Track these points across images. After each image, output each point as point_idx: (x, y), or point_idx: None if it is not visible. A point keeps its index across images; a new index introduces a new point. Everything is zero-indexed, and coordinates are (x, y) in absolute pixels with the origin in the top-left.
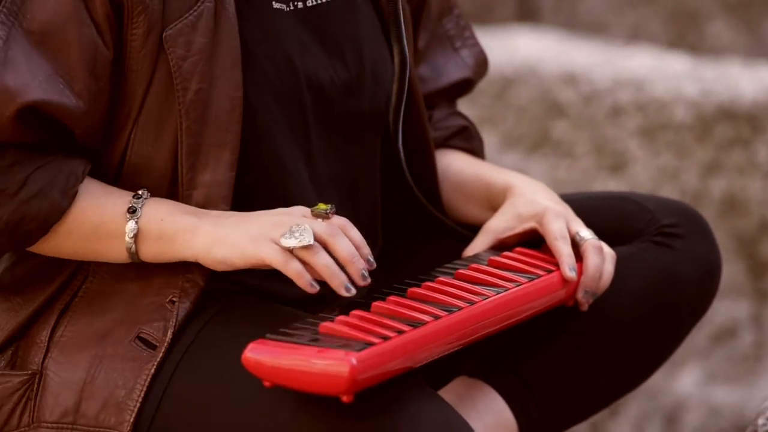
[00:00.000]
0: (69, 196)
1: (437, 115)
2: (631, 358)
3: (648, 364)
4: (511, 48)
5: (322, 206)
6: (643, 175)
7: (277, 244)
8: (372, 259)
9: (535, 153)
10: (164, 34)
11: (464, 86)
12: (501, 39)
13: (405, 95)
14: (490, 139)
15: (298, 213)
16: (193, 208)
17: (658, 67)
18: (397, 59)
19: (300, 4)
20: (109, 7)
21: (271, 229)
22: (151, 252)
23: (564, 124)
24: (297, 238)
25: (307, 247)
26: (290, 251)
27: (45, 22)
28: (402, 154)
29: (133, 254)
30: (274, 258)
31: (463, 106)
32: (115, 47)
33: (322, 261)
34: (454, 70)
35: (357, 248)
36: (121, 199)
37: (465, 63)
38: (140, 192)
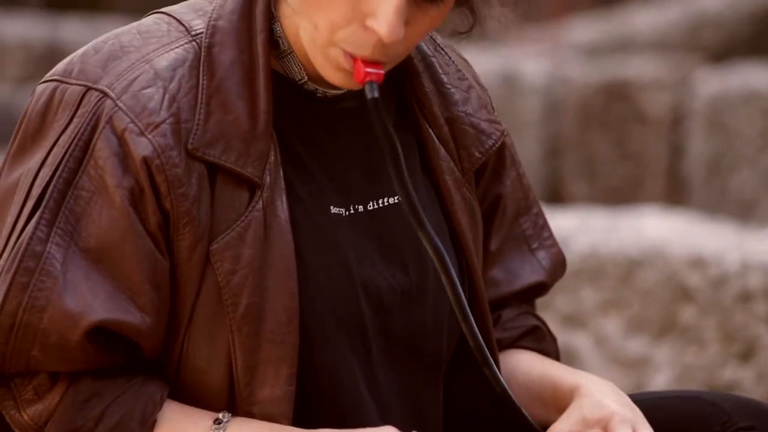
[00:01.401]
0: (148, 426)
1: (507, 315)
2: None
3: None
4: (638, 229)
5: None
6: None
7: None
8: None
9: (661, 339)
10: (211, 248)
11: (538, 290)
12: (629, 220)
13: (468, 303)
14: (614, 324)
15: None
16: (278, 426)
17: None
18: (431, 248)
19: (360, 208)
20: (159, 217)
21: None
22: None
23: (691, 309)
24: None
25: None
26: None
27: (101, 238)
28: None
29: None
30: None
31: (587, 289)
32: (169, 255)
33: None
34: (529, 273)
35: None
36: (203, 422)
37: (541, 266)
38: (221, 416)
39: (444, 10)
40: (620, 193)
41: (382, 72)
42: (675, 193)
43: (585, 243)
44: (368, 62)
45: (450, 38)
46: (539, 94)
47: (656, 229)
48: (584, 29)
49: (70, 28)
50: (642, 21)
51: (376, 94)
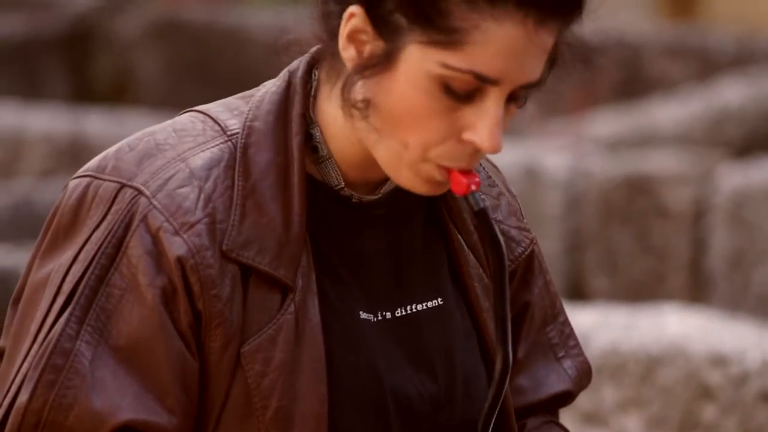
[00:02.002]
0: None
1: (532, 423)
2: None
3: None
4: (659, 326)
5: None
6: None
7: None
8: None
9: None
10: (242, 350)
11: (564, 399)
12: (649, 316)
13: (499, 405)
14: (634, 422)
15: None
16: None
17: None
18: (499, 365)
19: (388, 314)
20: (191, 317)
21: None
22: None
23: (712, 408)
24: None
25: None
26: None
27: (131, 337)
28: None
29: None
30: None
31: (607, 387)
32: (199, 356)
33: None
34: (555, 382)
35: None
36: None
37: (567, 374)
38: None
39: (522, 105)
40: (642, 288)
41: (480, 180)
42: (697, 288)
43: (605, 340)
44: (464, 172)
45: None
46: (561, 188)
47: (677, 327)
48: (606, 123)
49: (93, 121)
50: (664, 115)
51: (482, 204)
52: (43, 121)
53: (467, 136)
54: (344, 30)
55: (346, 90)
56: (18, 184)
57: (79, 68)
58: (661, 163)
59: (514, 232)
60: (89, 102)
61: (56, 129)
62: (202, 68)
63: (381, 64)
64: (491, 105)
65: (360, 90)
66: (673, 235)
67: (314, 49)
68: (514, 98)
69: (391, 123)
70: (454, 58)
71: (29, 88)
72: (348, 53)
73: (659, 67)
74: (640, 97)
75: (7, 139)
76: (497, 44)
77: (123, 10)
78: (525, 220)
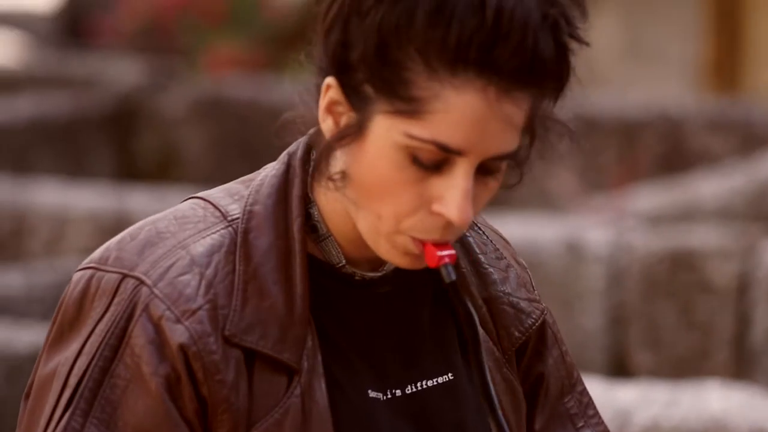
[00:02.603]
0: None
1: None
2: None
3: None
4: (700, 403)
5: None
6: None
7: None
8: None
9: None
10: None
11: None
12: (691, 393)
13: None
14: None
15: None
16: None
17: None
18: None
19: (398, 392)
20: (197, 404)
21: None
22: None
23: None
24: None
25: None
26: None
27: (137, 427)
28: None
29: None
30: None
31: None
32: None
33: None
34: None
35: None
36: None
37: None
38: None
39: (500, 179)
40: (686, 363)
41: (454, 253)
42: (741, 363)
43: (646, 417)
44: (438, 245)
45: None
46: (603, 263)
47: (718, 403)
48: (648, 197)
49: (136, 198)
50: (706, 189)
51: (454, 277)
52: (87, 198)
53: (436, 207)
54: (322, 102)
55: (322, 161)
56: (62, 263)
57: (124, 146)
58: (704, 237)
59: (524, 304)
60: (134, 179)
61: (100, 207)
62: (246, 144)
63: (353, 134)
64: (459, 176)
65: (337, 162)
66: (717, 310)
67: (313, 129)
68: (488, 171)
69: (365, 194)
70: (417, 128)
71: (74, 167)
72: (326, 125)
73: (701, 141)
74: (683, 171)
75: (51, 218)
76: (458, 114)
77: (167, 88)
78: (536, 292)
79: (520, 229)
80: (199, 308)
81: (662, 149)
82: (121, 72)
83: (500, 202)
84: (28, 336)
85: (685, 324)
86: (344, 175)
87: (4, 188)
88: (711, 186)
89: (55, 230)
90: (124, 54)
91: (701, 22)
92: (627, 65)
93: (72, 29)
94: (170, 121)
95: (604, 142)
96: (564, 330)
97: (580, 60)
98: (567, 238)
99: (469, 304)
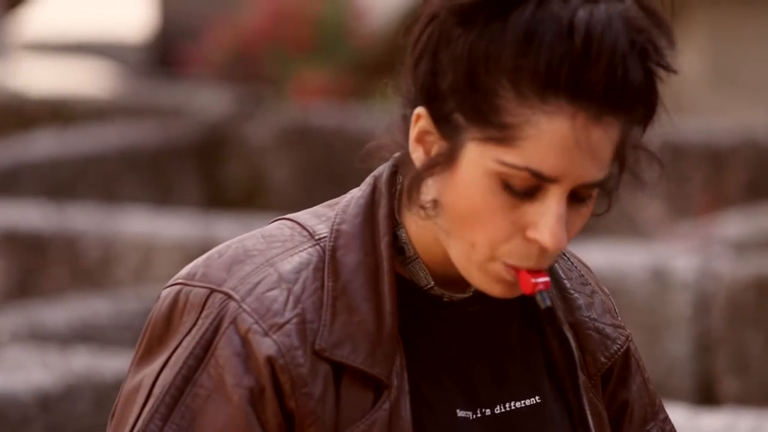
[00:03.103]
0: None
1: None
2: None
3: None
4: None
5: None
6: None
7: None
8: None
9: None
10: None
11: None
12: None
13: None
14: None
15: None
16: None
17: None
18: None
19: (488, 411)
20: (281, 418)
21: None
22: None
23: None
24: None
25: None
26: None
27: None
28: None
29: None
30: None
31: None
32: None
33: None
34: None
35: None
36: None
37: None
38: None
39: (592, 206)
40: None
41: (548, 280)
42: None
43: None
44: (532, 272)
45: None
46: (690, 290)
47: None
48: (735, 225)
49: (223, 226)
50: None
51: (549, 303)
52: (175, 227)
53: (531, 234)
54: (413, 132)
55: (413, 190)
56: (149, 290)
57: (211, 174)
58: None
59: (609, 330)
60: (221, 208)
61: (187, 235)
62: (332, 172)
63: (444, 163)
64: (552, 202)
65: (429, 190)
66: None
67: (398, 154)
68: (580, 198)
69: (458, 223)
70: (509, 155)
71: (162, 195)
72: (417, 154)
73: None
74: None
75: (139, 246)
76: (549, 140)
77: (254, 116)
78: (619, 318)
79: (607, 257)
80: (287, 322)
81: (749, 176)
82: (208, 101)
83: (587, 229)
84: (116, 363)
85: None
86: (436, 203)
87: (93, 217)
88: None
89: (142, 258)
90: (213, 83)
91: None
92: (714, 92)
93: (162, 59)
94: (257, 150)
95: (691, 169)
96: (650, 357)
97: (667, 87)
98: (653, 265)
99: (565, 330)
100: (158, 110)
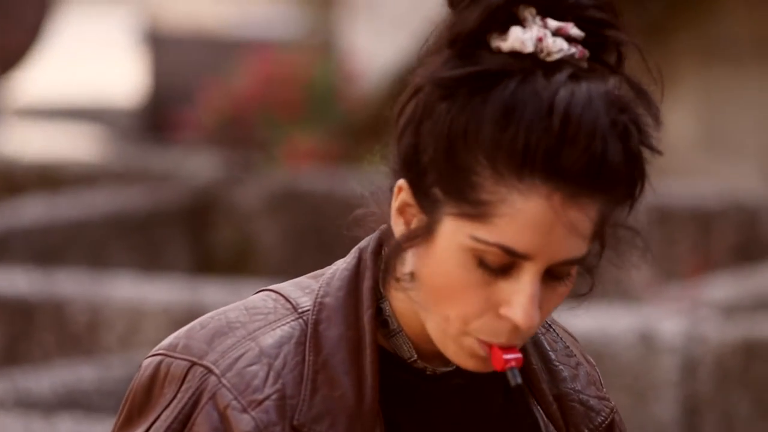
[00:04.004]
0: None
1: None
2: None
3: None
4: None
5: None
6: None
7: None
8: None
9: None
10: None
11: None
12: None
13: None
14: None
15: None
16: None
17: None
18: None
19: None
20: None
21: None
22: None
23: None
24: None
25: None
26: None
27: None
28: None
29: None
30: None
31: None
32: None
33: None
34: None
35: None
36: None
37: None
38: None
39: (570, 285)
40: None
41: (520, 356)
42: None
43: None
44: (505, 348)
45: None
46: (676, 354)
47: None
48: (722, 287)
49: (211, 291)
50: None
51: (519, 381)
52: (162, 292)
53: (503, 311)
54: (395, 204)
55: (392, 261)
56: (136, 356)
57: (200, 239)
58: None
59: (593, 402)
60: (210, 273)
61: (175, 300)
62: (321, 237)
63: (422, 236)
64: (526, 281)
65: (407, 263)
66: None
67: (384, 226)
68: (556, 276)
69: (432, 296)
70: (482, 231)
71: (151, 261)
72: (398, 227)
73: None
74: (758, 261)
75: (126, 312)
76: (523, 218)
77: (243, 181)
78: (604, 390)
79: (593, 320)
80: (266, 398)
81: (737, 239)
82: (198, 166)
83: (571, 292)
84: (100, 429)
85: (759, 415)
86: (413, 276)
87: (80, 282)
88: None
89: (130, 324)
90: (203, 148)
91: None
92: (704, 155)
93: (154, 123)
94: (246, 215)
95: (678, 231)
96: (637, 421)
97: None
98: (640, 328)
99: (535, 410)
100: (148, 175)
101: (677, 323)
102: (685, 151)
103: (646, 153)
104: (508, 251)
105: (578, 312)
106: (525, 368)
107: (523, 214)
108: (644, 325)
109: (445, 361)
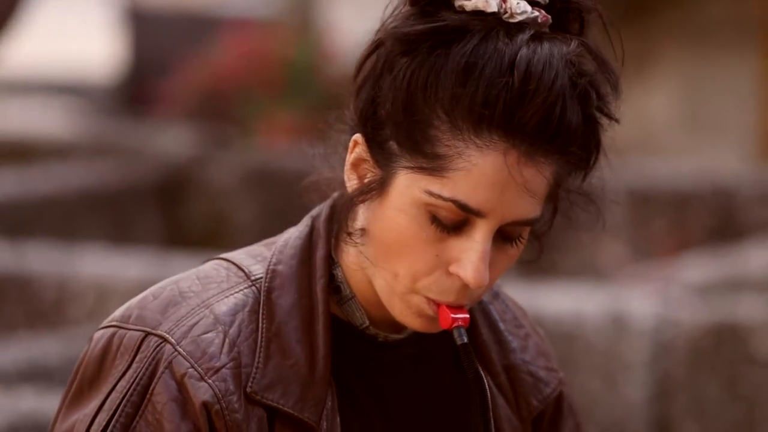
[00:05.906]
0: None
1: None
2: None
3: None
4: None
5: None
6: None
7: None
8: None
9: None
10: None
11: None
12: None
13: None
14: None
15: None
16: None
17: None
18: None
19: None
20: None
21: None
22: None
23: None
24: None
25: None
26: None
27: None
28: None
29: None
30: None
31: None
32: None
33: None
34: None
35: None
36: None
37: None
38: None
39: (521, 248)
40: None
41: (468, 316)
42: None
43: None
44: (453, 307)
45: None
46: (648, 335)
47: None
48: (696, 268)
49: (181, 266)
50: (756, 260)
51: (466, 339)
52: (131, 266)
53: (453, 269)
54: (349, 159)
55: (343, 217)
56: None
57: (172, 215)
58: (750, 309)
59: (542, 373)
60: (182, 249)
61: (144, 274)
62: (294, 214)
63: (376, 190)
64: (477, 238)
65: (359, 218)
66: (763, 382)
67: (337, 193)
68: (508, 237)
69: (382, 251)
70: (437, 186)
71: (123, 236)
72: (351, 182)
73: (753, 212)
74: (734, 242)
75: (94, 286)
76: (479, 174)
77: (216, 158)
78: (554, 361)
79: (565, 300)
80: (223, 366)
81: (714, 220)
82: (173, 141)
83: (546, 271)
84: None
85: (730, 396)
86: (364, 231)
87: (48, 256)
88: (760, 257)
89: (99, 298)
90: (180, 122)
91: (760, 92)
92: (685, 135)
93: (132, 98)
94: (220, 191)
95: (654, 211)
96: (608, 402)
97: (635, 129)
98: (611, 309)
99: (480, 368)
100: (121, 149)
101: (649, 304)
102: (665, 131)
103: (604, 121)
104: (461, 206)
105: (550, 291)
106: (474, 339)
107: (478, 170)
108: (616, 305)
109: (397, 329)
